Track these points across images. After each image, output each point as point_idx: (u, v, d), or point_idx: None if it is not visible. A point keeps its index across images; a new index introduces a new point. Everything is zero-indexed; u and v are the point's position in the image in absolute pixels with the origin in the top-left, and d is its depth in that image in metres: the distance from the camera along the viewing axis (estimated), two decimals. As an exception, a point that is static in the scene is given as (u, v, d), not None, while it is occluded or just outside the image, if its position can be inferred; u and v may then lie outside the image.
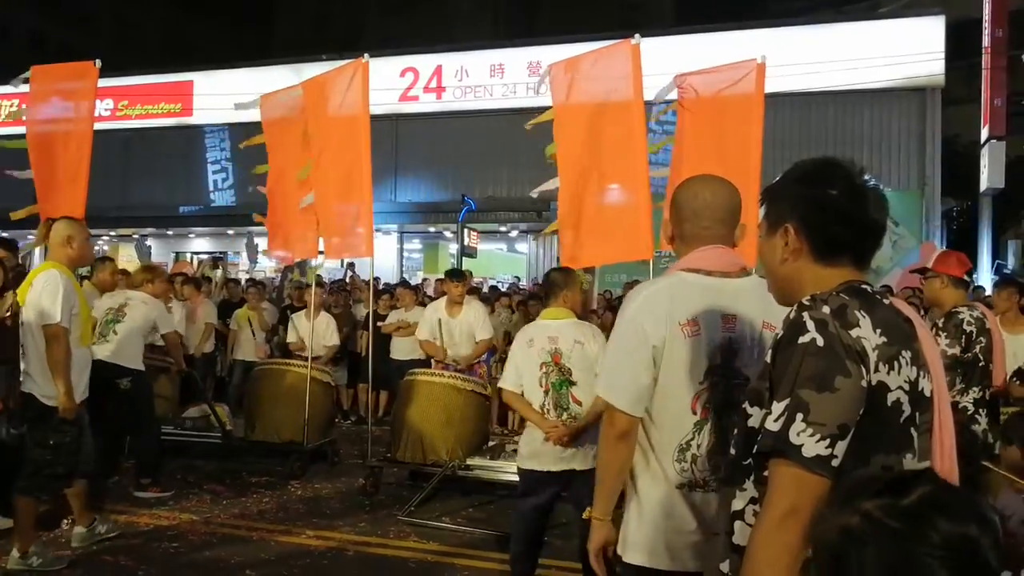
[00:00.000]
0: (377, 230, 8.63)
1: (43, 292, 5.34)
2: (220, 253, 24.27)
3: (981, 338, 5.03)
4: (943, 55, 18.43)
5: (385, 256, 22.45)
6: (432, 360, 8.44)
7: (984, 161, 19.67)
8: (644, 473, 2.64)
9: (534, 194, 8.21)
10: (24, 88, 9.14)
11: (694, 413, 2.57)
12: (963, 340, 5.01)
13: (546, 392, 4.86)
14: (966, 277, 5.27)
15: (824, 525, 1.30)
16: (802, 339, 1.80)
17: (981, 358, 5.02)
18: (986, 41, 19.86)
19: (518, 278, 22.58)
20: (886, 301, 1.95)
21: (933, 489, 1.22)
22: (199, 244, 25.43)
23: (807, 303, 1.86)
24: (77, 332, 5.51)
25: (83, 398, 5.60)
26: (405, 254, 24.81)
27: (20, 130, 9.27)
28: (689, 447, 2.57)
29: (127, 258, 22.62)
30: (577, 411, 4.81)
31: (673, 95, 8.02)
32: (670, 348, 2.56)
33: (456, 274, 8.64)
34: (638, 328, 2.58)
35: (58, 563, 5.51)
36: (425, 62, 22.23)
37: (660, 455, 2.61)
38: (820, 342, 1.78)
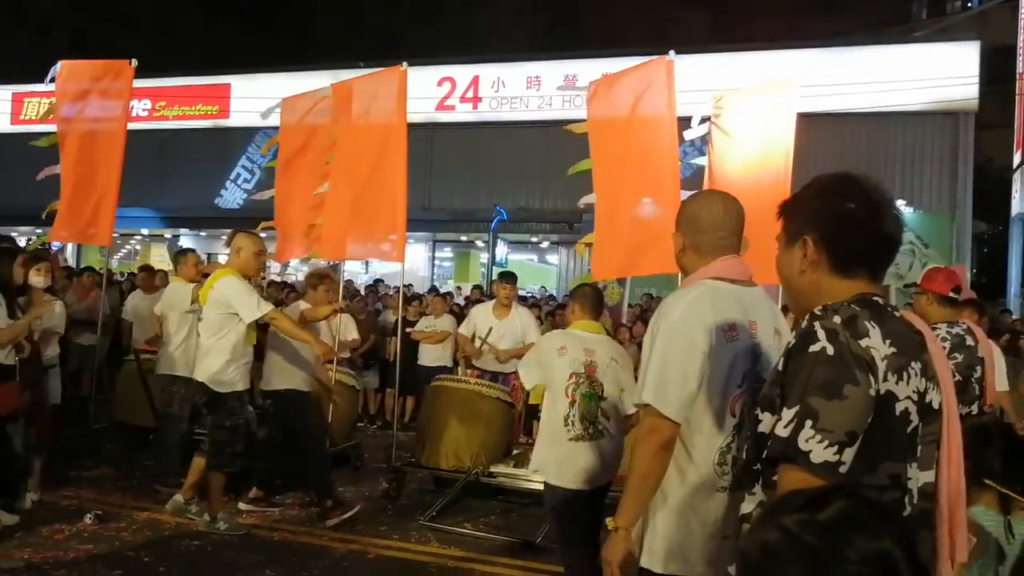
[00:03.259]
0: (409, 237, 8.67)
1: (234, 297, 6.10)
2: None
3: (956, 354, 4.99)
4: (977, 80, 18.28)
5: (416, 263, 22.52)
6: (459, 368, 8.48)
7: (1016, 186, 19.51)
8: (678, 479, 2.62)
9: (581, 204, 8.23)
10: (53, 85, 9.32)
11: (733, 416, 2.59)
12: None
13: (572, 403, 4.61)
14: (952, 294, 5.23)
15: (747, 541, 1.30)
16: (813, 348, 1.85)
17: (956, 374, 4.95)
18: (1020, 67, 19.75)
19: (545, 288, 22.60)
20: (897, 314, 1.99)
21: (848, 504, 1.21)
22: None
23: (818, 313, 1.91)
24: (245, 332, 6.23)
25: (245, 388, 6.38)
26: (436, 262, 24.87)
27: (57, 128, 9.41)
28: (729, 449, 2.58)
29: (159, 258, 22.85)
30: (604, 425, 4.61)
31: (708, 111, 8.07)
32: (716, 353, 2.57)
33: (507, 276, 8.68)
34: (687, 335, 2.58)
35: (240, 529, 6.35)
36: (462, 72, 22.27)
37: (699, 460, 2.60)
38: (830, 351, 1.83)
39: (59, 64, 9.31)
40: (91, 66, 9.43)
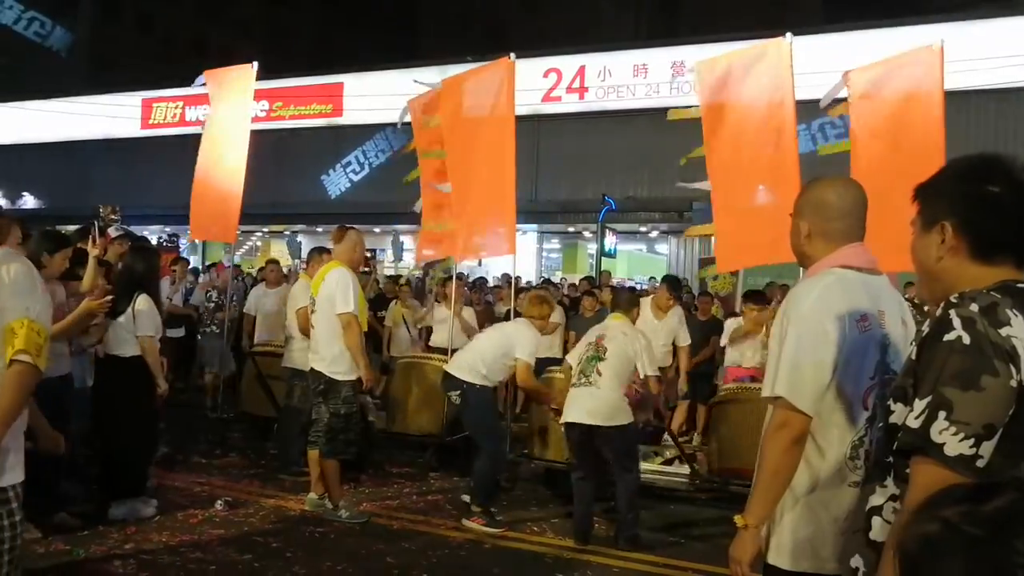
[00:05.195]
0: (517, 229, 8.71)
1: (337, 286, 6.34)
2: (369, 251, 24.87)
3: None
4: (1122, 48, 17.22)
5: (524, 255, 22.53)
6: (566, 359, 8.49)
7: None
8: (807, 474, 2.53)
9: (685, 186, 8.13)
10: (201, 89, 9.93)
11: (866, 409, 2.51)
12: None
13: (578, 362, 6.35)
14: None
15: (904, 534, 1.25)
16: (947, 336, 1.77)
17: None
18: None
19: (655, 279, 22.35)
20: None
21: (1017, 497, 1.16)
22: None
23: (955, 300, 1.83)
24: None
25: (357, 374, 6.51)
26: (544, 253, 24.85)
27: (182, 131, 9.87)
28: (862, 443, 2.50)
29: (279, 253, 23.48)
30: (595, 380, 6.13)
31: (843, 93, 7.74)
32: (848, 344, 2.48)
33: (675, 284, 9.09)
34: (819, 325, 2.50)
35: (361, 517, 6.50)
36: (568, 63, 22.16)
37: (831, 454, 2.52)
38: (966, 340, 1.74)
39: (203, 74, 9.86)
40: (224, 72, 9.92)
